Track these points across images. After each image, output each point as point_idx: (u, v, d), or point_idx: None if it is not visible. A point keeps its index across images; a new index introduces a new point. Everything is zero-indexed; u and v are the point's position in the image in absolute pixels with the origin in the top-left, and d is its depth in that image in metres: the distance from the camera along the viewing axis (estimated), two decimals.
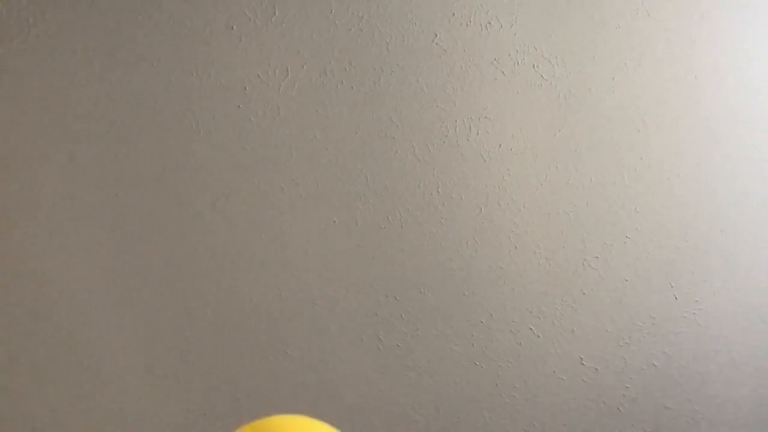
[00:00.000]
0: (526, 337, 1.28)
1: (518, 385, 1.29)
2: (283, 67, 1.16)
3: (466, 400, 1.28)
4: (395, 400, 1.24)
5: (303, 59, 1.16)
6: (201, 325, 1.18)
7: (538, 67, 1.23)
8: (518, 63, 1.23)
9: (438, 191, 1.23)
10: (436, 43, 1.20)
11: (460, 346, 1.26)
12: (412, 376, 1.25)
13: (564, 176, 1.26)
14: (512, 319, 1.28)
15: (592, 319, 1.30)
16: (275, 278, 1.19)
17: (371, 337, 1.23)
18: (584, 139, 1.26)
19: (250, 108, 1.16)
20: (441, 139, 1.22)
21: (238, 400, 1.20)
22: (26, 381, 1.14)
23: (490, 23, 1.21)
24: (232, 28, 1.14)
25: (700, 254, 1.32)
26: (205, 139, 1.15)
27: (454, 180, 1.23)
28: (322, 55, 1.17)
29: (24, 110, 1.10)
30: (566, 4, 1.23)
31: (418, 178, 1.22)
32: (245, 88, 1.15)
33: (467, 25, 1.21)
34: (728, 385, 1.35)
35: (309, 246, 1.19)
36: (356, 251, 1.21)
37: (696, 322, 1.33)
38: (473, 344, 1.27)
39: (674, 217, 1.30)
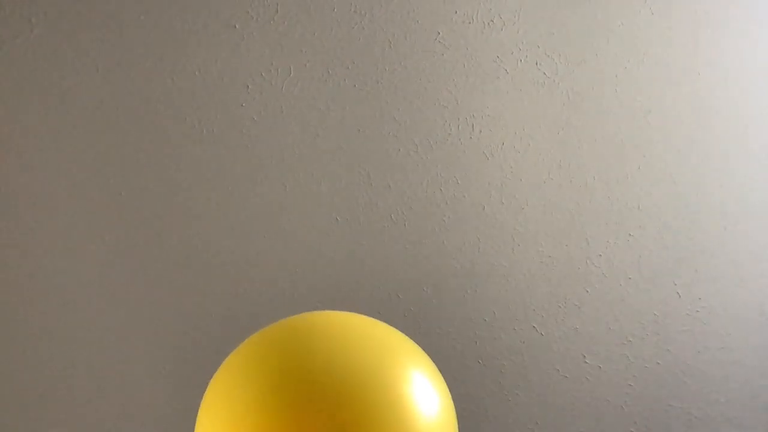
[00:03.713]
0: (529, 336, 1.28)
1: (521, 383, 1.29)
2: (286, 66, 1.16)
3: (469, 398, 1.28)
4: None
5: (305, 58, 1.17)
6: (204, 324, 1.18)
7: (540, 65, 1.23)
8: (521, 61, 1.23)
9: (440, 189, 1.23)
10: (439, 41, 1.20)
11: (463, 344, 1.26)
12: None
13: (567, 174, 1.26)
14: (515, 317, 1.27)
15: (596, 317, 1.30)
16: (277, 277, 1.19)
17: None
18: (587, 137, 1.26)
19: (252, 106, 1.16)
20: (443, 137, 1.22)
21: None
22: (28, 380, 1.15)
23: (492, 21, 1.21)
24: (234, 26, 1.14)
25: (703, 252, 1.31)
26: (208, 137, 1.15)
27: (457, 178, 1.23)
28: (324, 53, 1.17)
29: (26, 110, 1.11)
30: (569, 1, 1.23)
31: (420, 176, 1.22)
32: (247, 87, 1.16)
33: (469, 23, 1.21)
34: (732, 384, 1.35)
35: (311, 244, 1.20)
36: (359, 249, 1.21)
37: (700, 320, 1.33)
38: (476, 342, 1.27)
39: (678, 215, 1.30)
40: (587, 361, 1.31)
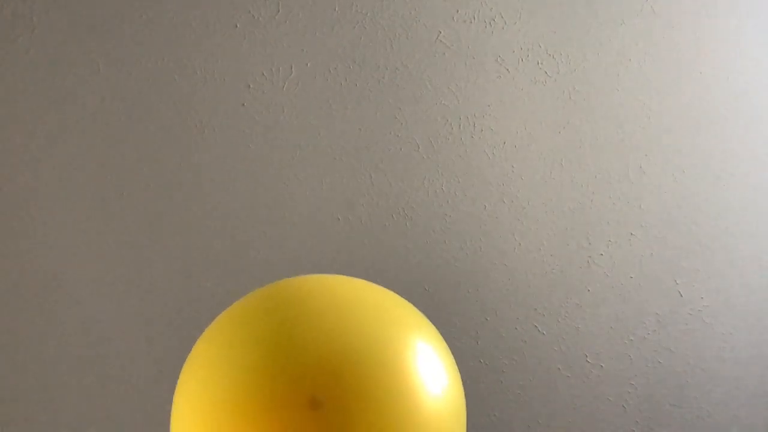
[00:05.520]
0: (530, 335, 1.28)
1: (523, 383, 1.29)
2: (287, 65, 1.16)
3: (471, 397, 1.28)
4: None
5: (307, 57, 1.17)
6: (205, 324, 1.18)
7: (542, 63, 1.23)
8: (522, 60, 1.23)
9: (442, 188, 1.22)
10: (440, 41, 1.20)
11: (465, 344, 1.26)
12: None
13: (568, 173, 1.26)
14: (516, 316, 1.27)
15: (597, 316, 1.30)
16: (279, 276, 1.19)
17: None
18: (588, 135, 1.26)
19: (254, 106, 1.16)
20: (445, 137, 1.22)
21: None
22: (30, 380, 1.15)
23: (493, 20, 1.21)
24: (236, 26, 1.14)
25: (705, 252, 1.31)
26: (209, 137, 1.15)
27: (458, 177, 1.23)
28: (326, 52, 1.17)
29: (27, 109, 1.11)
30: (570, 0, 1.23)
31: (422, 175, 1.22)
32: (249, 86, 1.16)
33: (471, 22, 1.21)
34: (734, 383, 1.35)
35: (312, 243, 1.20)
36: (360, 249, 1.21)
37: (701, 319, 1.33)
38: (478, 342, 1.27)
39: (679, 215, 1.30)
40: (589, 360, 1.31)
